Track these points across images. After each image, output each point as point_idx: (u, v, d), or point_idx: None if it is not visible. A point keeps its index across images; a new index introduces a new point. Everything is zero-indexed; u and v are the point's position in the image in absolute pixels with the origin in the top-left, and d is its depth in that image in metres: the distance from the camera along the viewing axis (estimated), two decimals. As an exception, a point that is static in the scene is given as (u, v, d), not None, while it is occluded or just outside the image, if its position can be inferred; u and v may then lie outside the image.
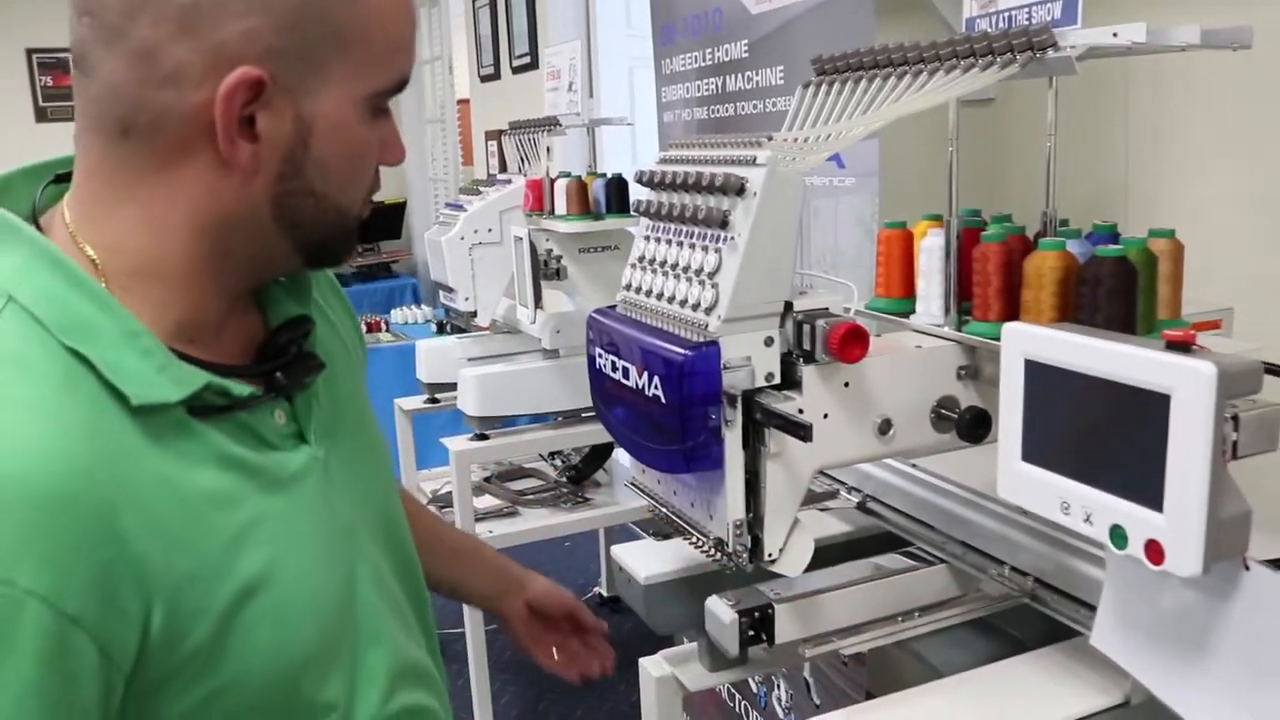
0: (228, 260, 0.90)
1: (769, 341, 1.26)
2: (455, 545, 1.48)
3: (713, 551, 1.34)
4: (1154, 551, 0.94)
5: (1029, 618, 1.42)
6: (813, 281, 1.41)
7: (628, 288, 1.43)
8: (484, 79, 6.20)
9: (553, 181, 3.07)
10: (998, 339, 1.30)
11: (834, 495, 1.71)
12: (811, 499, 1.71)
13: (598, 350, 1.43)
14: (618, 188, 3.04)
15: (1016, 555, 1.39)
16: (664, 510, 1.42)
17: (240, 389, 0.89)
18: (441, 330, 3.62)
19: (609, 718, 3.48)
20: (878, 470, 1.65)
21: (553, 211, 3.07)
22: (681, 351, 1.23)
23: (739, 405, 1.24)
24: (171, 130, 0.84)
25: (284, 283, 1.02)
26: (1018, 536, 1.39)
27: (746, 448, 1.27)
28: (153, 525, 0.80)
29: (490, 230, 3.17)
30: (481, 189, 3.27)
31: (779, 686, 2.55)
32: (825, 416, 1.27)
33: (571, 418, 3.14)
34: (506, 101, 5.66)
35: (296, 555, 0.92)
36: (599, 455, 3.35)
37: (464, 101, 7.20)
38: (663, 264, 1.35)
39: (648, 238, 1.42)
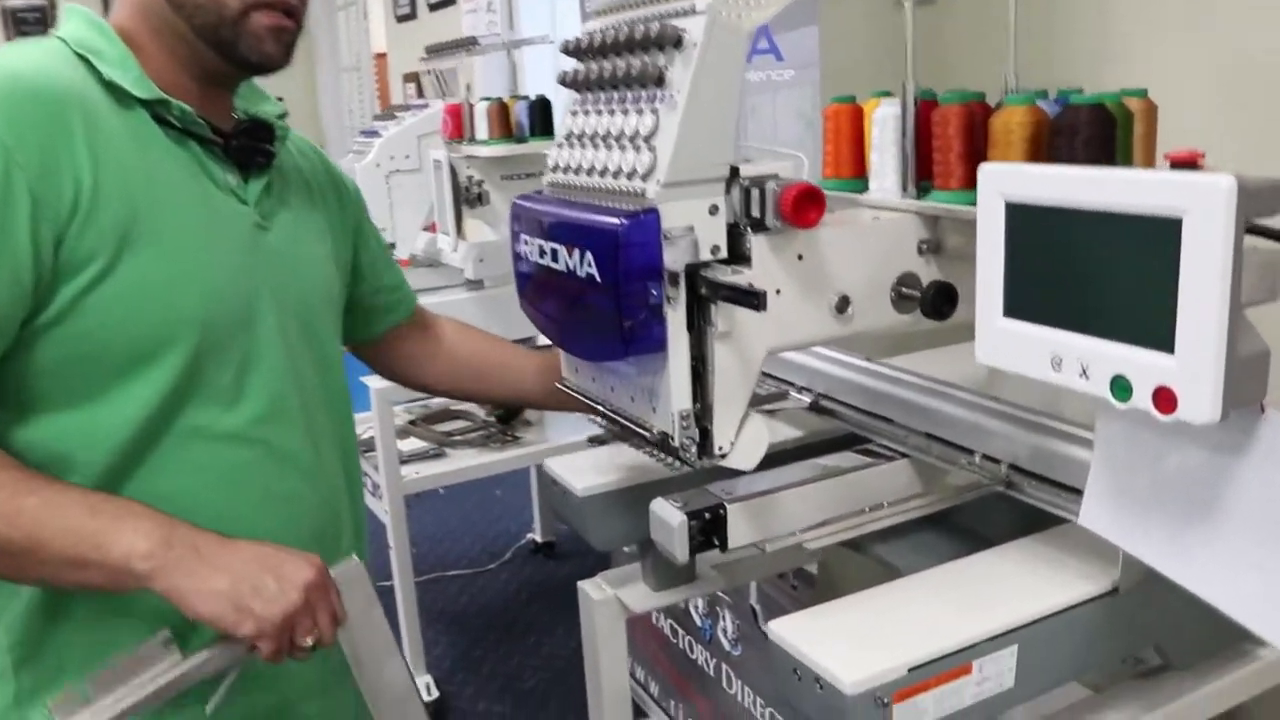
0: (162, 36, 1.21)
1: (714, 210, 1.13)
2: (502, 360, 1.65)
3: (657, 452, 1.21)
4: (1164, 399, 0.82)
5: (999, 515, 1.32)
6: (755, 155, 1.28)
7: (554, 169, 1.31)
8: (400, 19, 5.97)
9: (472, 106, 2.90)
10: (964, 205, 1.19)
11: (783, 396, 1.59)
12: (757, 402, 1.59)
13: (523, 238, 1.29)
14: (541, 110, 2.90)
15: (988, 442, 1.28)
16: (601, 409, 1.29)
17: (197, 121, 1.21)
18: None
19: (546, 662, 3.36)
20: (831, 366, 1.54)
21: (473, 138, 2.91)
22: (615, 221, 1.10)
23: (681, 282, 1.12)
24: None
25: (248, 111, 1.32)
26: (988, 422, 1.28)
27: (691, 330, 1.14)
28: (103, 147, 1.11)
29: (408, 157, 3.01)
30: (397, 114, 3.10)
31: (724, 618, 2.45)
32: (778, 293, 1.15)
33: (499, 352, 3.00)
34: (424, 43, 5.44)
35: (203, 242, 1.19)
36: (529, 393, 3.21)
37: (381, 55, 7.01)
38: (593, 136, 1.22)
39: (575, 112, 1.28)
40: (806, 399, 1.56)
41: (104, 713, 1.05)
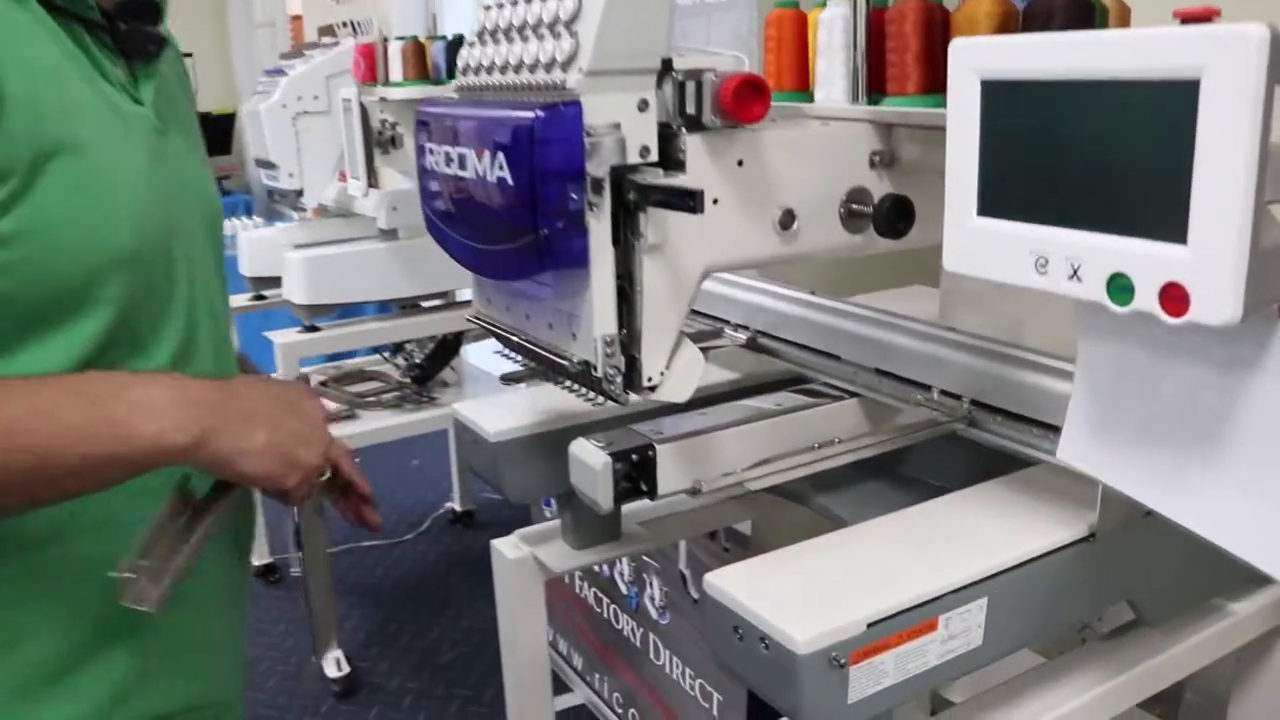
0: None
1: (643, 105, 0.99)
2: None
3: (577, 386, 1.08)
4: (1173, 298, 0.70)
5: (952, 463, 1.21)
6: (690, 54, 1.14)
7: (464, 71, 1.16)
8: (315, -29, 5.73)
9: (386, 46, 2.72)
10: (926, 106, 1.07)
11: (717, 334, 1.45)
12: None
13: (428, 147, 1.14)
14: (460, 50, 2.72)
15: (946, 376, 1.15)
16: (515, 341, 1.15)
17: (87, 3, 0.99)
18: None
19: (464, 635, 3.21)
20: (769, 300, 1.40)
21: (387, 80, 2.73)
22: (529, 114, 0.95)
23: (606, 188, 0.97)
24: None
25: None
26: (946, 353, 1.16)
27: (617, 244, 1.00)
28: None
29: (316, 98, 2.82)
30: (306, 52, 2.90)
31: (651, 585, 2.32)
32: (715, 203, 1.01)
33: (413, 307, 2.84)
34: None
35: (120, 153, 0.98)
36: (445, 352, 3.04)
37: (297, 18, 6.80)
38: (507, 30, 1.07)
39: (488, 7, 1.13)
40: (742, 337, 1.42)
41: (164, 576, 0.96)
